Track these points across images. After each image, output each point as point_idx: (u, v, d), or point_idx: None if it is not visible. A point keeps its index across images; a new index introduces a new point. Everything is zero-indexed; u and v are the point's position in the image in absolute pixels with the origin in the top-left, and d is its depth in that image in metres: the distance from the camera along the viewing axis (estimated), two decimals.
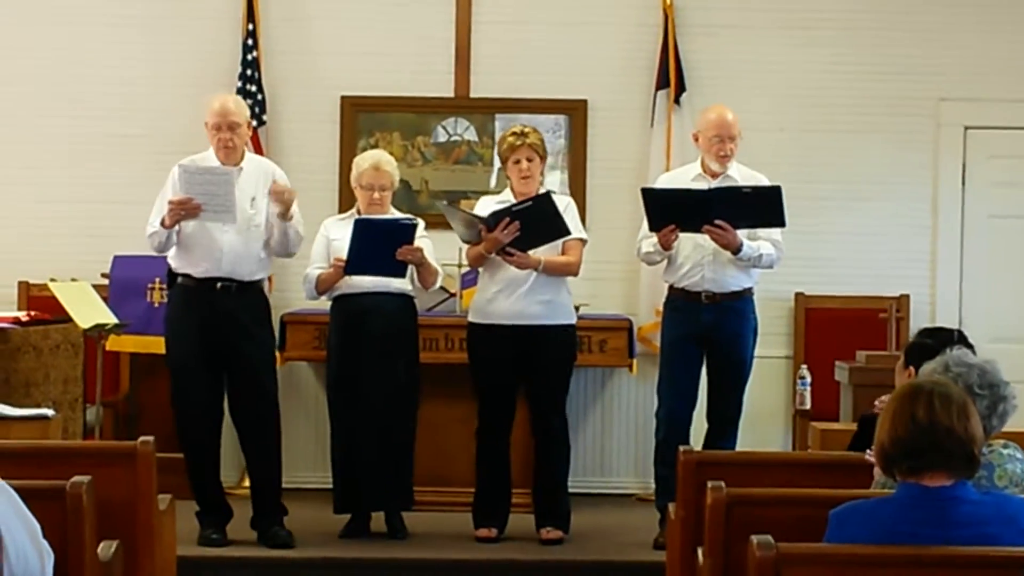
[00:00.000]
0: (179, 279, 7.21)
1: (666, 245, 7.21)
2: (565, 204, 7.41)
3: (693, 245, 7.30)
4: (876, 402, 5.71)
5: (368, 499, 7.46)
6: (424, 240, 7.35)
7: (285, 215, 7.13)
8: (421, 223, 7.36)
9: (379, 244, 7.16)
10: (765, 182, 7.28)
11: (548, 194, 7.25)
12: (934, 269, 9.14)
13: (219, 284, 7.13)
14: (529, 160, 7.34)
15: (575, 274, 7.44)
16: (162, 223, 7.00)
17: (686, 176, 7.44)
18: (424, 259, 7.30)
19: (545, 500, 7.47)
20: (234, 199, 6.95)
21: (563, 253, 7.36)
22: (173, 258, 7.21)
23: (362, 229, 7.16)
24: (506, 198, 7.40)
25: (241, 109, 7.27)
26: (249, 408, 7.26)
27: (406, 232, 7.20)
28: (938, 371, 4.31)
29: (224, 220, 7.01)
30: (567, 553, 7.30)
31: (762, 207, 7.11)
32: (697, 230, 7.13)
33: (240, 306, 7.16)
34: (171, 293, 7.32)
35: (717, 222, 7.06)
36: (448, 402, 8.01)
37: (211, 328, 7.11)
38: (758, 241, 7.27)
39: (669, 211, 7.16)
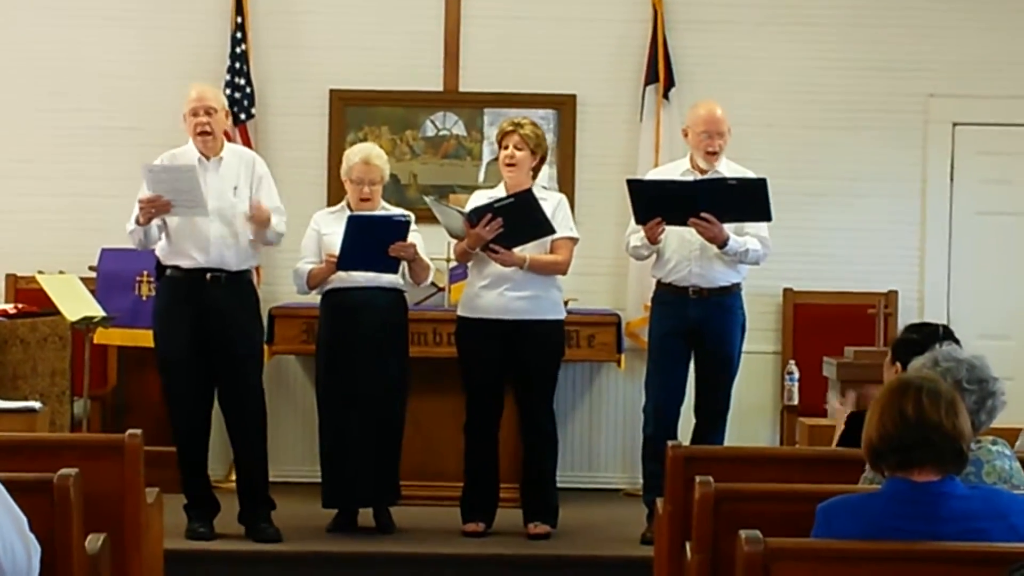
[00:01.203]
0: (167, 271, 7.21)
1: (652, 238, 7.21)
2: (557, 201, 7.41)
3: (680, 240, 7.30)
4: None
5: (356, 494, 7.46)
6: (415, 235, 7.34)
7: (264, 227, 7.15)
8: (413, 218, 7.37)
9: (372, 240, 7.16)
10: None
11: (530, 191, 7.23)
12: (922, 265, 9.15)
13: (208, 275, 7.12)
14: (518, 149, 7.31)
15: (563, 273, 7.43)
16: (137, 221, 7.02)
17: (675, 172, 7.45)
18: (417, 255, 7.30)
19: (533, 495, 7.46)
20: (201, 192, 6.95)
21: (552, 251, 7.35)
22: (161, 251, 7.20)
23: (355, 225, 7.15)
24: (499, 192, 7.39)
25: (218, 96, 7.32)
26: (236, 400, 7.26)
27: (399, 228, 7.20)
28: (927, 366, 4.31)
29: (196, 213, 7.02)
30: (555, 548, 7.30)
31: (748, 200, 7.11)
32: (683, 223, 7.13)
33: (229, 296, 7.16)
34: (159, 286, 7.31)
35: (703, 215, 7.06)
36: (436, 397, 8.00)
37: (201, 319, 7.11)
38: (744, 236, 7.27)
39: (655, 203, 7.16)
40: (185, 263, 7.15)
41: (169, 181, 6.95)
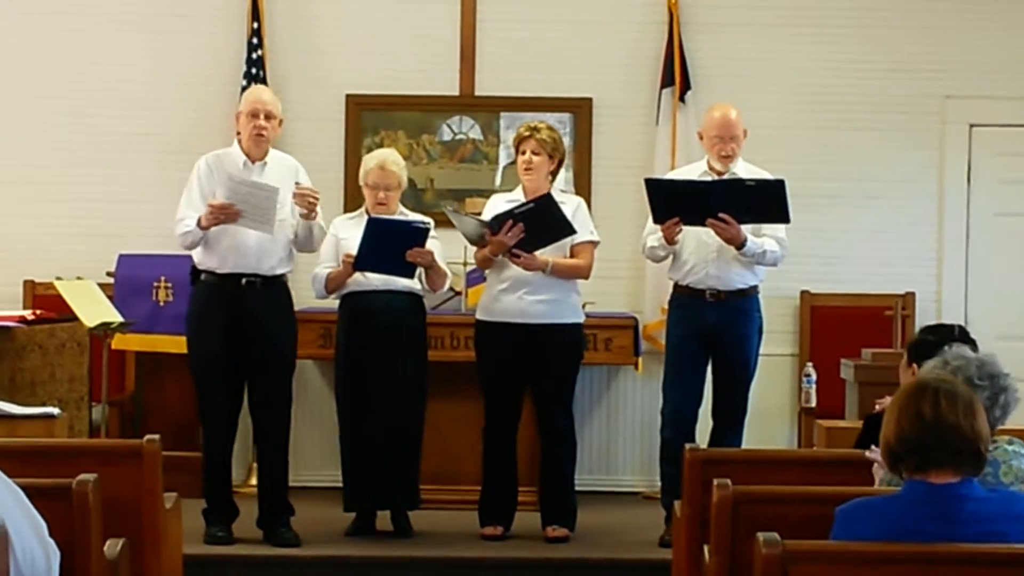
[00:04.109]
0: (203, 276, 7.22)
1: (670, 239, 7.20)
2: (576, 205, 7.42)
3: (697, 242, 7.30)
4: (876, 402, 5.71)
5: (375, 498, 7.46)
6: (434, 242, 7.35)
7: (309, 216, 7.15)
8: (433, 224, 7.36)
9: (390, 244, 7.17)
10: None
11: (549, 195, 7.23)
12: (940, 267, 9.14)
13: (244, 280, 7.14)
14: (535, 154, 7.32)
15: (586, 277, 7.44)
16: (198, 223, 7.03)
17: (692, 174, 7.44)
18: (434, 262, 7.31)
19: (551, 498, 7.46)
20: (274, 214, 6.99)
21: (574, 256, 7.36)
22: (197, 254, 7.22)
23: (374, 227, 7.17)
24: (517, 196, 7.41)
25: (277, 103, 7.31)
26: (265, 404, 7.28)
27: (418, 235, 7.21)
28: (937, 367, 4.31)
29: (260, 230, 7.04)
30: (573, 551, 7.29)
31: (766, 201, 7.10)
32: (701, 223, 7.13)
33: (265, 301, 7.17)
34: (194, 290, 7.31)
35: (721, 215, 7.06)
36: (453, 400, 8.00)
37: (235, 324, 7.12)
38: (762, 238, 7.27)
39: (672, 202, 7.16)
40: (221, 267, 7.16)
41: (248, 195, 6.97)
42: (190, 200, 7.15)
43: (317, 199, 7.16)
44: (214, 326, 7.15)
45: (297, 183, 7.19)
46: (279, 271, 7.26)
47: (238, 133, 7.37)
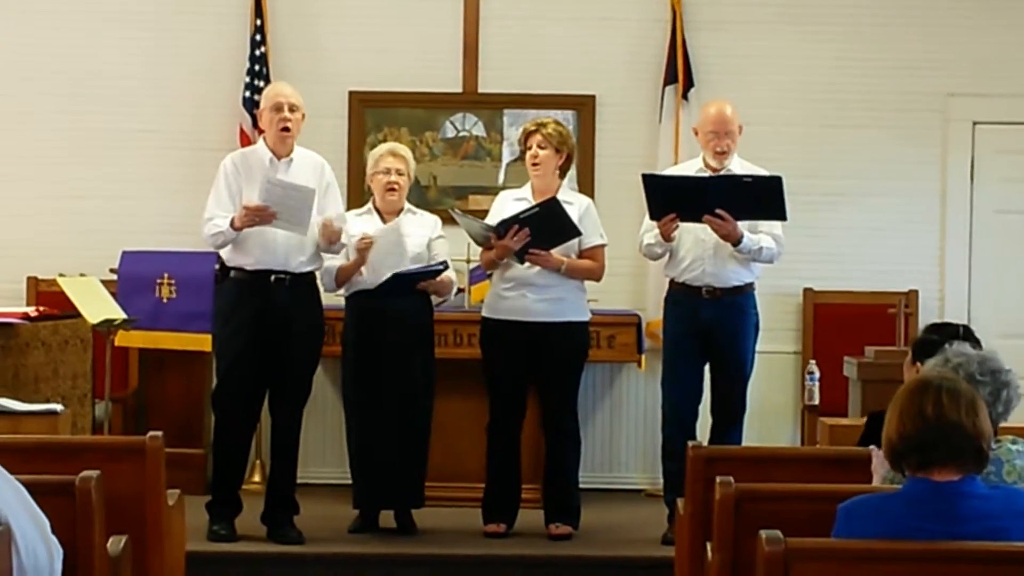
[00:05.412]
0: (231, 273, 7.23)
1: (666, 235, 7.20)
2: (585, 207, 7.44)
3: (694, 239, 7.30)
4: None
5: (381, 496, 7.47)
6: (442, 241, 7.45)
7: (328, 248, 7.20)
8: (447, 251, 7.45)
9: (406, 284, 7.24)
10: None
11: (555, 199, 7.24)
12: (943, 264, 9.13)
13: (273, 276, 7.14)
14: (541, 148, 7.33)
15: (598, 279, 7.48)
16: (231, 224, 7.04)
17: (689, 170, 7.45)
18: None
19: (555, 496, 7.47)
20: (310, 215, 7.01)
21: (583, 259, 7.38)
22: (225, 252, 7.23)
23: (396, 283, 7.24)
24: (525, 192, 7.42)
25: (297, 95, 7.29)
26: (286, 401, 7.31)
27: (434, 275, 7.31)
28: (939, 366, 4.31)
29: (294, 231, 7.05)
30: (576, 548, 7.30)
31: (763, 198, 7.10)
32: (697, 220, 7.12)
33: (294, 298, 7.18)
34: (223, 287, 7.34)
35: (718, 212, 7.06)
36: (458, 398, 8.00)
37: (264, 320, 7.13)
38: (759, 235, 7.26)
39: (669, 198, 7.15)
40: (250, 264, 7.17)
41: (283, 197, 6.98)
42: (218, 199, 7.16)
43: (339, 235, 7.17)
44: (242, 322, 7.16)
45: (325, 218, 7.17)
46: (308, 268, 7.26)
47: (261, 131, 7.41)
